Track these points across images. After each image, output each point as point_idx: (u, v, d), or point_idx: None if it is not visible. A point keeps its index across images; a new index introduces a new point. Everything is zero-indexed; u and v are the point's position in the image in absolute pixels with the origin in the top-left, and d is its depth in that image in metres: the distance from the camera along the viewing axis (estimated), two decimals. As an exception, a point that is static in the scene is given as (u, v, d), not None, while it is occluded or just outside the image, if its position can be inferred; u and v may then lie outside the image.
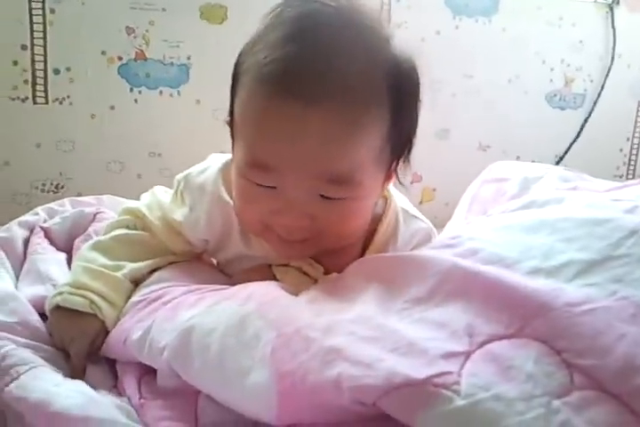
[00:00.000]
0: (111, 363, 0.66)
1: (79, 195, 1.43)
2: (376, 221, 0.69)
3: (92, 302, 0.66)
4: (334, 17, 0.57)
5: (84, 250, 0.73)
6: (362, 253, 0.69)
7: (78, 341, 0.64)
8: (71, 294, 0.66)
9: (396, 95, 0.58)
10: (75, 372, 0.62)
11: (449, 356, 0.42)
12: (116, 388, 0.62)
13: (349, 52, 0.56)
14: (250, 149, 0.59)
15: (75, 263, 0.72)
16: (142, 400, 0.57)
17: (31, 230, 0.83)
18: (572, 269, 0.46)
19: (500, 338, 0.43)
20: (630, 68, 1.82)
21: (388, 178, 0.66)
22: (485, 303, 0.45)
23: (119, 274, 0.69)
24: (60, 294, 0.66)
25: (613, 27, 1.76)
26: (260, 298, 0.54)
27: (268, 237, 0.65)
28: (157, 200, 0.75)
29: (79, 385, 0.57)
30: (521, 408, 0.38)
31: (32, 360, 0.58)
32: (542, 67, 1.74)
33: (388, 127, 0.59)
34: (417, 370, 0.41)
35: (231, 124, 0.66)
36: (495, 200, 0.77)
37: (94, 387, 0.58)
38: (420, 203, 1.68)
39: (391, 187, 0.72)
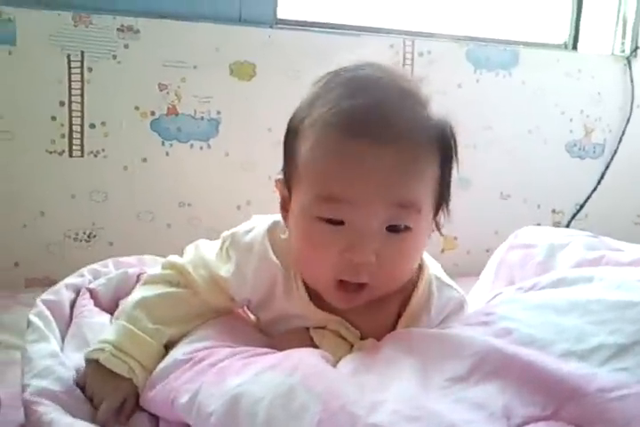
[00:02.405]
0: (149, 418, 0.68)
1: (110, 244, 1.47)
2: (411, 287, 0.72)
3: (130, 368, 0.69)
4: (384, 80, 0.65)
5: (128, 306, 0.76)
6: (396, 319, 0.72)
7: (108, 399, 0.67)
8: (113, 355, 0.69)
9: (443, 146, 0.66)
10: (100, 423, 0.65)
11: (489, 439, 0.44)
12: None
13: (403, 107, 0.64)
14: (322, 186, 0.63)
15: (118, 319, 0.75)
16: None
17: (77, 292, 0.86)
18: (603, 353, 0.49)
19: (536, 420, 0.46)
20: (649, 118, 1.86)
21: (432, 229, 0.71)
22: (521, 385, 0.48)
23: (157, 342, 0.72)
24: (102, 351, 0.70)
25: (631, 78, 1.79)
26: (306, 370, 0.57)
27: (331, 288, 0.67)
28: (202, 257, 0.78)
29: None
30: None
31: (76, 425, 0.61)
32: (562, 118, 1.77)
33: (438, 172, 0.66)
34: (459, 452, 0.43)
35: (287, 181, 0.69)
36: (522, 266, 0.80)
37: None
38: (442, 251, 1.70)
39: (425, 254, 0.76)
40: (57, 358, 0.70)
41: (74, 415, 0.63)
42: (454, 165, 0.69)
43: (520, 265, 0.81)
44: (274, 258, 0.72)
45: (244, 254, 0.74)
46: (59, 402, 0.64)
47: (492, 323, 0.56)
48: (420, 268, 0.74)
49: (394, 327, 0.70)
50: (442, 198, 0.69)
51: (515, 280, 0.82)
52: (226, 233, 0.78)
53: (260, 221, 0.77)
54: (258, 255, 0.73)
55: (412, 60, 1.62)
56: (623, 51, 1.81)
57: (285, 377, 0.57)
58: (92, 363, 0.70)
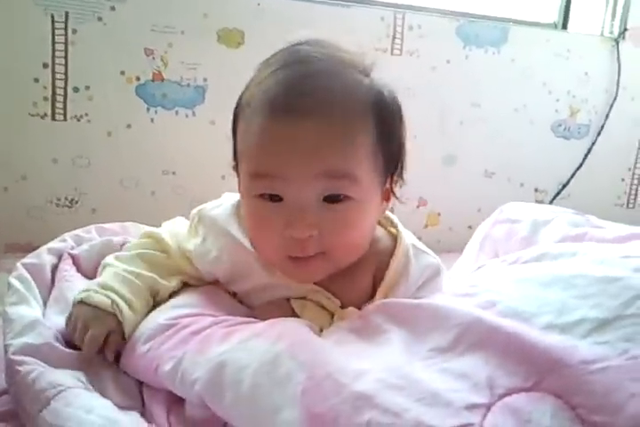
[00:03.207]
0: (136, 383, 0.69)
1: (93, 210, 1.46)
2: (388, 255, 0.73)
3: (113, 301, 0.69)
4: (318, 52, 0.65)
5: (108, 260, 0.77)
6: (374, 287, 0.73)
7: (94, 329, 0.67)
8: (97, 292, 0.70)
9: (379, 114, 0.65)
10: (83, 358, 0.66)
11: (471, 407, 0.45)
12: (143, 414, 0.65)
13: (332, 77, 0.63)
14: (253, 163, 0.64)
15: (101, 271, 0.76)
16: (172, 429, 0.60)
17: (59, 257, 0.85)
18: (585, 327, 0.50)
19: (519, 391, 0.47)
20: (634, 100, 1.86)
21: (386, 197, 0.72)
22: (504, 356, 0.49)
23: (141, 283, 0.73)
24: (86, 291, 0.70)
25: (619, 60, 1.80)
26: (291, 338, 0.57)
27: (286, 266, 0.68)
28: (176, 230, 0.80)
29: (108, 409, 0.60)
30: (539, 461, 0.42)
31: (61, 382, 0.61)
32: (548, 97, 1.78)
33: (375, 140, 0.65)
34: (442, 421, 0.44)
35: (235, 165, 0.70)
36: (506, 241, 0.81)
37: (123, 407, 0.62)
38: (425, 227, 1.72)
39: (400, 225, 0.76)
40: (37, 319, 0.70)
41: (57, 366, 0.63)
42: (402, 131, 0.69)
43: (504, 239, 0.82)
44: (239, 234, 0.72)
45: (209, 230, 0.75)
46: (41, 356, 0.64)
47: (476, 295, 0.56)
48: (397, 236, 0.74)
49: (373, 295, 0.71)
50: (390, 165, 0.69)
51: (499, 254, 0.83)
52: (194, 210, 0.79)
53: (229, 199, 0.78)
54: (223, 231, 0.74)
55: (402, 33, 1.61)
56: (612, 32, 1.82)
57: (270, 345, 0.57)
58: (77, 305, 0.70)
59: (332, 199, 0.64)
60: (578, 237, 0.77)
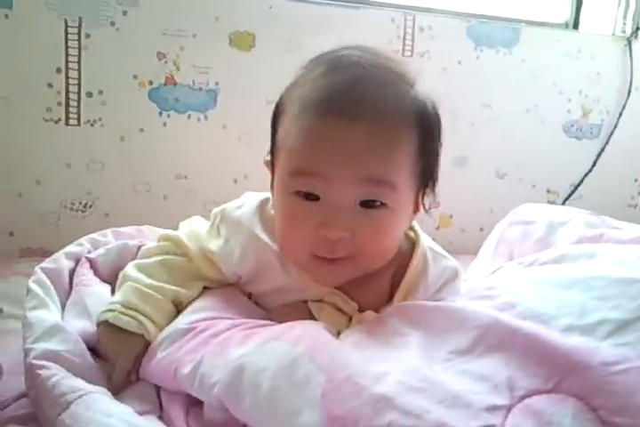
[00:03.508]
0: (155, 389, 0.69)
1: (106, 215, 1.47)
2: (406, 259, 0.74)
3: (140, 323, 0.71)
4: (366, 59, 0.66)
5: (129, 270, 0.78)
6: (392, 290, 0.73)
7: (123, 357, 0.69)
8: (122, 313, 0.71)
9: (422, 124, 0.66)
10: (115, 385, 0.67)
11: (492, 409, 0.46)
12: (161, 418, 0.65)
13: (382, 85, 0.65)
14: (297, 160, 0.65)
15: (121, 282, 0.77)
16: (190, 432, 0.61)
17: (76, 261, 0.86)
18: (605, 328, 0.50)
19: (540, 393, 0.47)
20: (647, 100, 1.86)
21: (415, 208, 0.72)
22: (524, 358, 0.49)
23: (162, 297, 0.74)
24: (112, 311, 0.71)
25: (631, 59, 1.79)
26: (309, 341, 0.57)
27: (311, 264, 0.69)
28: (194, 230, 0.80)
29: (128, 414, 0.60)
30: (560, 462, 0.42)
31: (81, 387, 0.62)
32: (560, 97, 1.77)
33: (416, 149, 0.66)
34: (463, 422, 0.44)
35: (272, 158, 0.71)
36: (521, 242, 0.81)
37: (142, 412, 0.62)
38: (437, 229, 1.71)
39: (418, 228, 0.77)
40: (57, 324, 0.70)
41: (78, 374, 0.64)
42: (439, 144, 0.70)
43: (519, 241, 0.82)
44: (262, 234, 0.73)
45: (232, 230, 0.76)
46: (62, 363, 0.65)
47: (495, 297, 0.56)
48: (415, 240, 0.75)
49: (391, 298, 0.71)
50: (425, 177, 0.70)
51: (514, 256, 0.83)
52: (216, 209, 0.80)
53: (251, 198, 0.78)
54: (247, 231, 0.74)
55: (413, 34, 1.61)
56: (624, 31, 1.81)
57: (289, 348, 0.58)
58: (103, 324, 0.71)
59: (368, 204, 0.65)
60: (594, 238, 0.77)
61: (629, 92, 1.81)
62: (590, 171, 1.83)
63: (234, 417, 0.59)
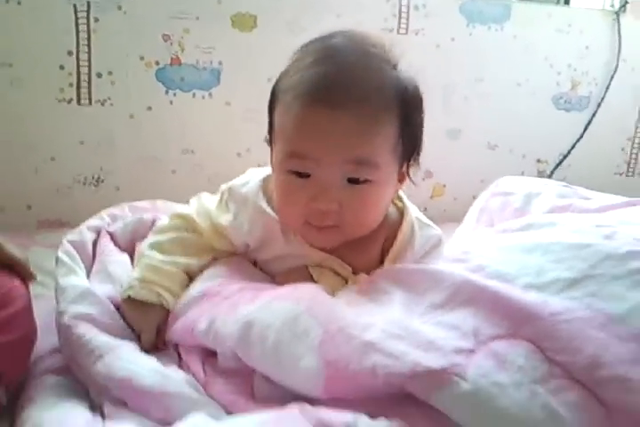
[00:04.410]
0: (174, 347, 0.79)
1: (117, 188, 1.56)
2: (395, 228, 0.82)
3: (158, 294, 0.80)
4: (351, 47, 0.74)
5: (144, 249, 0.86)
6: (382, 255, 0.82)
7: (147, 330, 0.78)
8: (141, 288, 0.80)
9: (403, 106, 0.74)
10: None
11: (459, 351, 0.55)
12: (180, 367, 0.75)
13: (365, 72, 0.72)
14: (290, 144, 0.73)
15: (138, 260, 0.86)
16: (207, 378, 0.70)
17: (98, 233, 0.95)
18: (558, 286, 0.59)
19: (500, 338, 0.56)
20: (634, 71, 1.91)
21: (401, 178, 0.81)
22: (489, 311, 0.58)
23: (176, 269, 0.83)
24: (132, 287, 0.80)
25: (619, 33, 1.85)
26: (309, 300, 0.67)
27: (304, 230, 0.78)
28: (204, 207, 0.88)
29: (154, 363, 0.70)
30: (511, 392, 0.51)
31: (112, 342, 0.72)
32: (550, 71, 1.83)
33: (397, 130, 0.74)
34: (435, 361, 0.54)
35: (270, 138, 0.79)
36: (501, 211, 0.90)
37: (164, 364, 0.72)
38: (431, 198, 1.80)
39: (405, 199, 0.85)
40: (87, 288, 0.80)
41: (108, 332, 0.74)
42: (421, 121, 0.77)
43: (499, 211, 0.90)
44: (267, 208, 0.82)
45: (240, 205, 0.84)
46: (94, 323, 0.74)
47: (467, 260, 0.66)
48: (403, 211, 0.84)
49: (381, 262, 0.80)
50: (407, 153, 0.77)
51: (494, 224, 0.91)
52: (224, 186, 0.88)
53: (255, 175, 0.86)
54: (253, 206, 0.83)
55: (408, 13, 1.67)
56: (613, 5, 1.86)
57: (292, 306, 0.67)
58: (125, 301, 0.80)
59: (353, 181, 0.74)
60: (564, 207, 0.85)
61: (617, 64, 1.87)
62: (578, 141, 1.90)
63: (245, 365, 0.68)
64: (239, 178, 0.88)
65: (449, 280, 0.63)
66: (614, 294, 0.58)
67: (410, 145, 0.77)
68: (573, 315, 0.55)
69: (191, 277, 0.84)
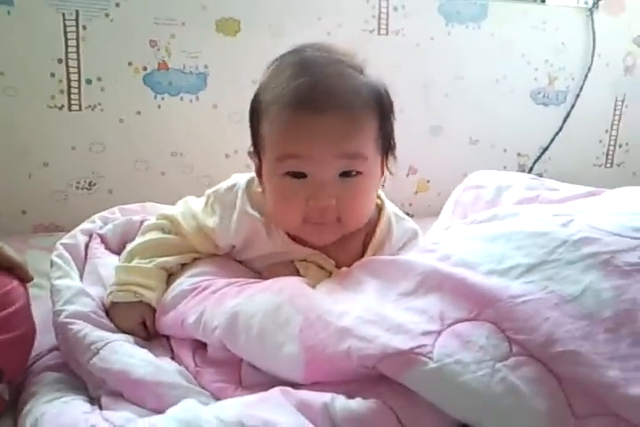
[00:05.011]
0: (166, 339, 0.84)
1: (110, 191, 1.60)
2: (374, 223, 0.88)
3: (134, 292, 0.85)
4: (323, 57, 0.79)
5: (123, 255, 0.91)
6: (363, 249, 0.87)
7: (135, 329, 0.83)
8: (118, 291, 0.85)
9: (378, 105, 0.80)
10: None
11: (426, 333, 0.60)
12: (173, 359, 0.79)
13: (341, 78, 0.78)
14: (283, 148, 0.78)
15: (117, 265, 0.90)
16: (197, 368, 0.75)
17: (90, 236, 0.99)
18: (517, 271, 0.64)
19: (464, 321, 0.61)
20: (609, 66, 1.96)
21: (382, 171, 0.86)
22: (455, 296, 0.63)
23: (150, 265, 0.87)
24: (111, 293, 0.85)
25: (593, 29, 1.90)
26: (290, 291, 0.72)
27: (304, 229, 0.82)
28: (191, 210, 0.92)
29: (147, 355, 0.75)
30: (474, 369, 0.56)
31: (106, 337, 0.77)
32: (527, 67, 1.88)
33: (376, 126, 0.80)
34: (403, 343, 0.59)
35: (256, 150, 0.84)
36: (474, 204, 0.95)
37: (157, 356, 0.76)
38: (416, 193, 1.85)
39: (383, 196, 0.90)
40: (82, 289, 0.84)
41: (103, 329, 0.79)
42: (393, 118, 0.84)
43: (472, 204, 0.96)
44: (251, 210, 0.87)
45: (226, 209, 0.89)
46: (89, 321, 0.79)
47: (435, 250, 0.71)
48: (380, 206, 0.90)
49: (362, 255, 0.85)
50: (387, 146, 0.84)
51: (467, 217, 0.96)
52: (209, 191, 0.93)
53: (239, 179, 0.91)
54: (238, 209, 0.87)
55: (387, 14, 1.71)
56: (586, 2, 1.91)
57: (274, 297, 0.72)
58: (111, 306, 0.85)
59: (346, 175, 0.79)
60: (532, 199, 0.90)
61: (592, 59, 1.92)
62: (557, 134, 1.95)
63: (233, 355, 0.72)
64: (224, 182, 0.93)
65: (418, 269, 0.68)
66: (568, 278, 0.63)
67: (387, 139, 0.83)
68: (531, 297, 0.60)
69: (169, 272, 0.89)
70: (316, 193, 0.78)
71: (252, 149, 0.86)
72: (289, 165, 0.78)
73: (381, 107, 0.81)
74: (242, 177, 0.91)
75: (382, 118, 0.81)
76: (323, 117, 0.75)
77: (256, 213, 0.86)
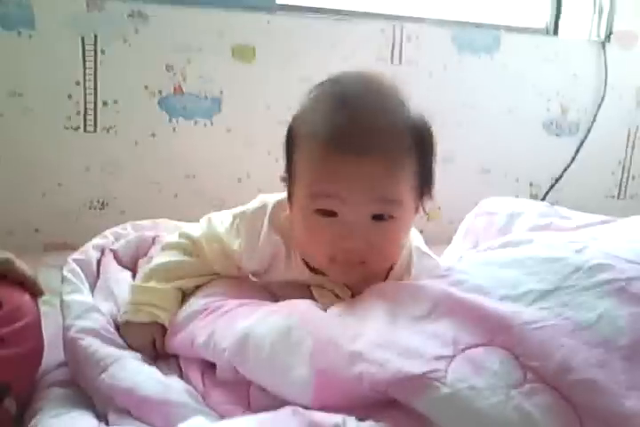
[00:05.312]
0: (175, 359, 0.83)
1: (122, 212, 1.61)
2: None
3: (148, 313, 0.84)
4: (366, 90, 0.76)
5: (141, 273, 0.91)
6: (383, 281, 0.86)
7: (145, 349, 0.82)
8: (134, 311, 0.84)
9: (420, 148, 0.77)
10: None
11: (439, 358, 0.59)
12: (181, 378, 0.79)
13: (384, 117, 0.74)
14: (316, 185, 0.75)
15: (133, 284, 0.89)
16: (206, 389, 0.74)
17: (102, 251, 0.99)
18: (531, 296, 0.64)
19: (477, 346, 0.60)
20: (622, 98, 1.97)
21: (416, 210, 0.83)
22: (468, 321, 0.63)
23: (167, 286, 0.86)
24: (126, 312, 0.85)
25: (605, 62, 1.91)
26: (301, 313, 0.71)
27: (331, 268, 0.80)
28: (214, 232, 0.90)
29: (156, 373, 0.74)
30: (487, 395, 0.55)
31: (115, 354, 0.76)
32: (539, 98, 1.89)
33: (416, 169, 0.77)
34: (416, 368, 0.58)
35: (289, 178, 0.82)
36: (485, 231, 0.94)
37: (166, 374, 0.76)
38: (427, 220, 1.84)
39: (412, 231, 0.89)
40: (92, 305, 0.84)
41: (112, 345, 0.78)
42: (434, 158, 0.81)
43: (484, 230, 0.95)
44: (275, 236, 0.85)
45: (251, 232, 0.86)
46: (99, 337, 0.79)
47: (449, 276, 0.70)
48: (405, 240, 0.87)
49: None
50: (423, 188, 0.81)
51: (479, 243, 0.96)
52: (236, 212, 0.90)
53: (266, 201, 0.89)
54: (264, 233, 0.86)
55: (401, 44, 1.74)
56: (599, 36, 1.93)
57: (285, 319, 0.71)
58: (123, 325, 0.84)
59: (379, 218, 0.76)
60: (545, 226, 0.90)
61: (605, 91, 1.93)
62: (570, 165, 1.96)
63: (242, 376, 0.72)
64: (250, 203, 0.90)
65: (431, 294, 0.67)
66: (583, 304, 0.62)
67: (426, 181, 0.81)
68: (545, 323, 0.60)
69: (185, 293, 0.88)
70: (345, 234, 0.75)
71: (285, 174, 0.83)
72: (320, 204, 0.75)
73: (423, 149, 0.78)
74: (269, 198, 0.89)
75: (422, 161, 0.78)
76: (360, 160, 0.72)
77: (278, 238, 0.85)
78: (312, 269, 0.85)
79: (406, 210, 0.78)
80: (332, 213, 0.76)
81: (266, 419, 0.59)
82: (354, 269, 0.79)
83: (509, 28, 1.88)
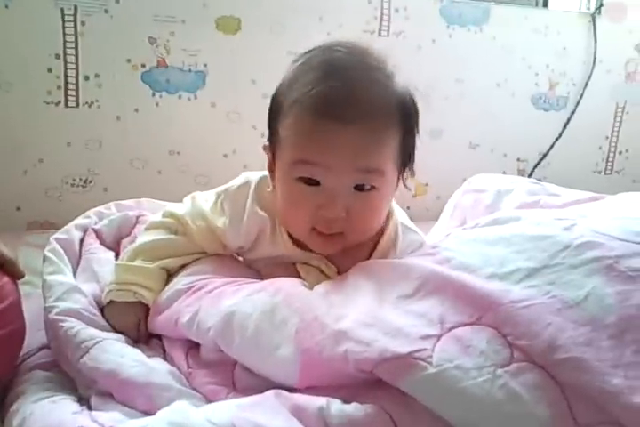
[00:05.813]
0: (159, 339, 0.82)
1: (105, 189, 1.59)
2: (380, 231, 0.85)
3: (134, 292, 0.83)
4: (354, 61, 0.76)
5: (129, 250, 0.89)
6: (368, 258, 0.85)
7: (129, 329, 0.81)
8: (118, 290, 0.83)
9: (404, 119, 0.77)
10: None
11: (425, 337, 0.59)
12: (164, 359, 0.78)
13: (370, 87, 0.74)
14: (300, 153, 0.75)
15: (118, 263, 0.88)
16: (190, 370, 0.73)
17: (85, 231, 0.98)
18: (518, 275, 0.63)
19: (464, 325, 0.60)
20: (610, 73, 1.96)
21: (397, 186, 0.83)
22: (454, 300, 0.62)
23: (152, 266, 0.85)
24: (110, 292, 0.83)
25: (595, 35, 1.90)
26: (287, 291, 0.70)
27: (311, 237, 0.80)
28: (199, 209, 0.89)
29: (139, 355, 0.73)
30: (474, 374, 0.55)
31: (97, 335, 0.75)
32: (528, 72, 1.88)
33: (399, 141, 0.77)
34: (402, 347, 0.57)
35: (272, 147, 0.81)
36: (473, 208, 0.93)
37: (149, 356, 0.75)
38: (414, 197, 1.84)
39: (393, 204, 0.88)
40: (74, 286, 0.83)
41: (94, 326, 0.77)
42: (417, 132, 0.81)
43: (471, 207, 0.94)
44: (260, 211, 0.85)
45: (236, 209, 0.86)
46: (81, 318, 0.77)
47: (435, 253, 0.69)
48: (388, 215, 0.86)
49: None
50: (406, 160, 0.81)
51: (466, 221, 0.95)
52: (220, 189, 0.90)
53: (250, 178, 0.88)
54: (248, 209, 0.85)
55: (389, 15, 1.71)
56: (589, 8, 1.91)
57: (270, 297, 0.70)
58: (107, 305, 0.83)
59: (360, 188, 0.76)
60: (533, 204, 0.89)
61: (594, 65, 1.92)
62: (557, 140, 1.95)
63: (226, 356, 0.71)
64: (234, 181, 0.90)
65: (417, 272, 0.66)
66: (571, 282, 0.61)
67: (407, 154, 0.81)
68: (533, 302, 0.59)
69: (170, 272, 0.87)
70: (326, 203, 0.76)
71: (267, 143, 0.83)
72: (303, 171, 0.76)
73: (407, 120, 0.78)
74: (253, 176, 0.88)
75: (406, 133, 0.78)
76: (345, 128, 0.73)
77: (264, 214, 0.84)
78: (298, 245, 0.84)
79: (387, 181, 0.78)
80: (314, 182, 0.76)
81: (247, 404, 0.58)
82: (333, 240, 0.79)
83: (499, 1, 1.85)
